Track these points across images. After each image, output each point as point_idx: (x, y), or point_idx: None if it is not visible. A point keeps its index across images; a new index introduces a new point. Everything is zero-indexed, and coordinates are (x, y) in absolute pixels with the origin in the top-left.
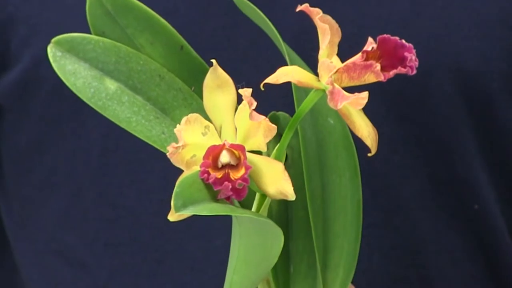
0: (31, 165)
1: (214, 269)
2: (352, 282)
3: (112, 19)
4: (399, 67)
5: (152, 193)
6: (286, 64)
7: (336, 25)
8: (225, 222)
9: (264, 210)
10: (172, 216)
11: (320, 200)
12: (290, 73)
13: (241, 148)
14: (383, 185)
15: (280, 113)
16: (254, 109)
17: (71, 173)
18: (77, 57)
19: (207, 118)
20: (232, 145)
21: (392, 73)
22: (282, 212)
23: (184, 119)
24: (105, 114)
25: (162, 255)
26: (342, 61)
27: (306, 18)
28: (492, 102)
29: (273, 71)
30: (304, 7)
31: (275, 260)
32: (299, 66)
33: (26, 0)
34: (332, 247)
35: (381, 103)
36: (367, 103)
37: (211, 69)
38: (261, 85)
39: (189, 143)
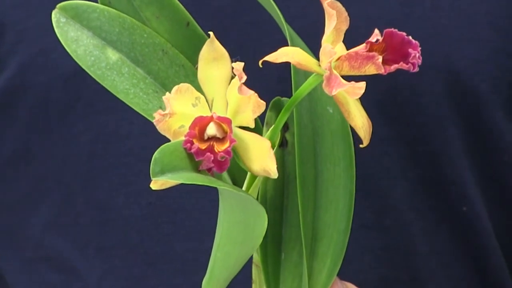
0: (18, 173)
1: (205, 271)
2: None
3: None
4: (401, 63)
5: (140, 196)
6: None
7: (345, 13)
8: (215, 223)
9: (254, 189)
10: (155, 184)
11: (312, 188)
12: (291, 53)
13: (227, 121)
14: (373, 186)
15: (284, 98)
16: (244, 84)
17: (60, 179)
18: (81, 24)
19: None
20: (219, 118)
21: (393, 67)
22: (277, 198)
23: (175, 88)
24: (103, 84)
25: (152, 257)
26: None
27: (294, 20)
28: (481, 103)
29: (268, 73)
30: None
31: (259, 240)
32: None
33: (14, 6)
34: (321, 236)
35: (371, 103)
36: None
37: (208, 41)
38: (260, 62)
39: (178, 112)
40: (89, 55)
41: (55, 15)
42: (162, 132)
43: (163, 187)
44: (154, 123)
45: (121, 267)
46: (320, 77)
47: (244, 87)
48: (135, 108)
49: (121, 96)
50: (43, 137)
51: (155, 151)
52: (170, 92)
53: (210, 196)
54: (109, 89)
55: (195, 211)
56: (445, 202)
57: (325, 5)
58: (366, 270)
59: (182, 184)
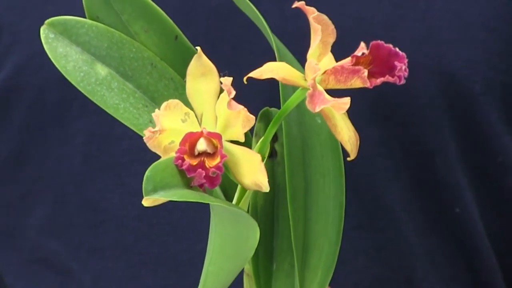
0: (14, 175)
1: (198, 272)
2: (338, 284)
3: (108, 4)
4: (387, 76)
5: (135, 196)
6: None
7: (331, 26)
8: (209, 225)
9: (245, 202)
10: (146, 201)
11: (302, 199)
12: (276, 69)
13: (218, 136)
14: (367, 188)
15: (273, 109)
16: (233, 99)
17: (55, 180)
18: (70, 40)
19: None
20: (209, 133)
21: (379, 80)
22: (267, 209)
23: (164, 104)
24: (93, 99)
25: (146, 258)
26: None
27: (288, 21)
28: (474, 105)
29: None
30: (300, 4)
31: (251, 253)
32: (289, 62)
33: (9, 8)
34: (312, 248)
35: (365, 105)
36: (350, 105)
37: (195, 56)
38: (245, 79)
39: (168, 128)
40: (78, 70)
41: (43, 31)
42: (153, 149)
43: (155, 204)
44: (145, 140)
45: (115, 267)
46: (306, 91)
47: (233, 102)
48: (125, 123)
49: (111, 111)
50: (38, 138)
51: (149, 151)
52: (159, 107)
53: None
54: (99, 104)
55: (190, 211)
56: (438, 203)
57: (310, 19)
58: (359, 271)
59: None
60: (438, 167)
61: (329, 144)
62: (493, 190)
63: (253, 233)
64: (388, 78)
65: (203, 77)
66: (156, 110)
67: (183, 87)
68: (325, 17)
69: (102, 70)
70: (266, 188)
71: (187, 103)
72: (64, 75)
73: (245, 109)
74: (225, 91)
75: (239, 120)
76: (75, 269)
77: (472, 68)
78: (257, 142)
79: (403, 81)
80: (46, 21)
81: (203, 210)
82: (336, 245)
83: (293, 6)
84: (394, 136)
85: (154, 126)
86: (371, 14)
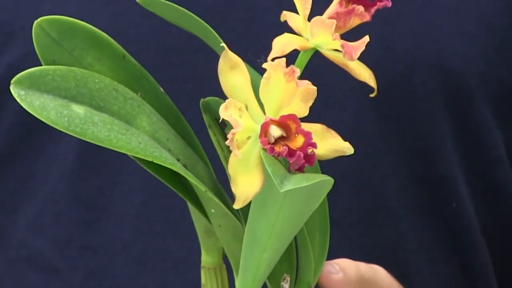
0: (4, 173)
1: (197, 269)
2: None
3: (59, 45)
4: (378, 3)
5: (134, 194)
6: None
7: None
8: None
9: None
10: (237, 204)
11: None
12: (291, 41)
13: (293, 117)
14: (366, 183)
15: (210, 98)
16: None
17: (46, 178)
18: (40, 91)
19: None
20: (282, 117)
21: (373, 10)
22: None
23: (223, 106)
24: (87, 139)
25: (144, 255)
26: None
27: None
28: (471, 100)
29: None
30: None
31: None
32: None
33: (3, 7)
34: None
35: (363, 101)
36: (349, 101)
37: (222, 53)
38: (270, 59)
39: None
40: (61, 116)
41: (13, 91)
42: (234, 150)
43: (244, 204)
44: (228, 144)
45: (111, 266)
46: (311, 51)
47: (298, 80)
48: (122, 151)
49: (106, 144)
50: (31, 136)
51: None
52: (136, 128)
53: None
54: (93, 142)
55: (188, 209)
56: (435, 198)
57: None
58: None
59: None
60: (436, 162)
61: None
62: (487, 184)
63: (320, 200)
64: (379, 5)
65: (233, 70)
66: (223, 113)
67: (142, 102)
68: None
69: (78, 109)
70: (350, 149)
71: (150, 117)
72: (52, 125)
73: (309, 82)
74: (265, 76)
75: (296, 96)
76: (63, 268)
77: (469, 63)
78: (214, 134)
79: (390, 3)
80: (12, 80)
81: None
82: (324, 204)
83: None
84: (392, 131)
85: (145, 146)
86: None
